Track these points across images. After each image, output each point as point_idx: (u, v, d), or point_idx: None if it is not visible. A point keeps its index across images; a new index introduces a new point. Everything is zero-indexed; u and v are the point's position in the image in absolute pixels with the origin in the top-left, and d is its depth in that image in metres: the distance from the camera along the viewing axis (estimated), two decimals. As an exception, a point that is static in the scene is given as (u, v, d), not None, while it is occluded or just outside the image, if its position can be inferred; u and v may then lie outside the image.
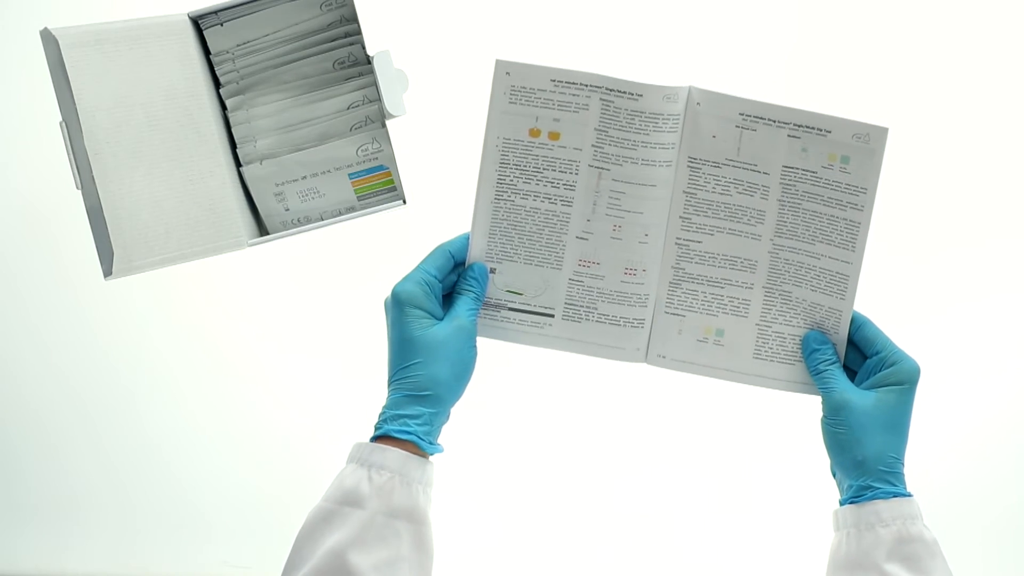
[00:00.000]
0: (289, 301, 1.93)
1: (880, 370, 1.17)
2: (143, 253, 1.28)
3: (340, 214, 1.37)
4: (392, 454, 1.15)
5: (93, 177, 1.26)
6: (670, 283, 1.23)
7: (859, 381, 1.19)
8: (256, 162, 1.36)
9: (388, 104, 1.33)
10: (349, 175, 1.37)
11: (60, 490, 1.97)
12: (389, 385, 1.19)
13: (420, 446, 1.16)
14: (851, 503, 1.16)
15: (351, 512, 1.13)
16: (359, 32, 1.35)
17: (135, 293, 1.86)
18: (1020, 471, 1.85)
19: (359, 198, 1.37)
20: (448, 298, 1.23)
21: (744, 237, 1.21)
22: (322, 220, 1.37)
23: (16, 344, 1.95)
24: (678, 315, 1.23)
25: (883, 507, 1.14)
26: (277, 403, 1.94)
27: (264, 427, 1.95)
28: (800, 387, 1.22)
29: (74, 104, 1.25)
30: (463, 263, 1.23)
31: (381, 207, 1.36)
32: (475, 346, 1.20)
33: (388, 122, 1.34)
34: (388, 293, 1.21)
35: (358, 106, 1.35)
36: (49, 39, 1.25)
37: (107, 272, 1.27)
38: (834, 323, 1.20)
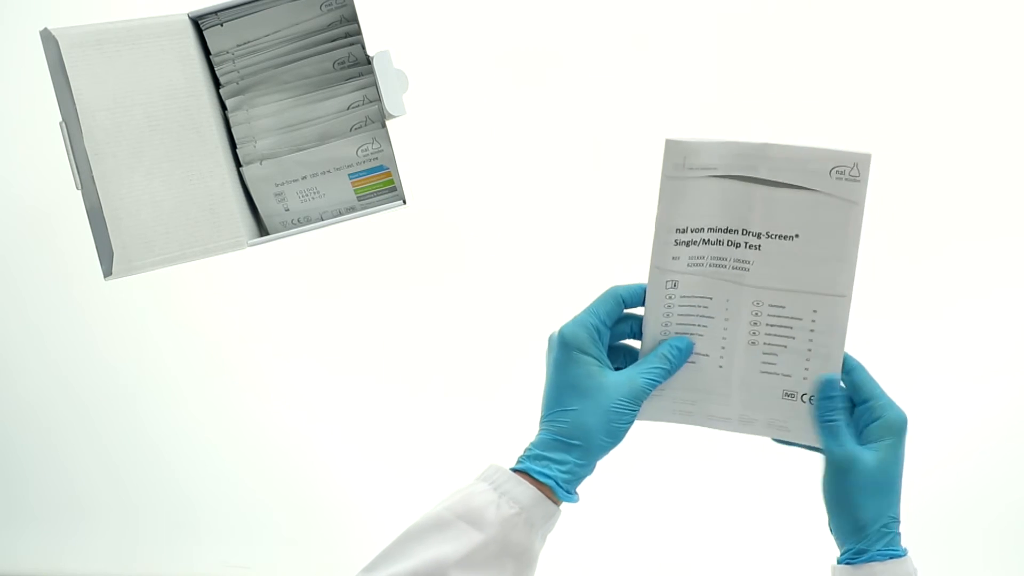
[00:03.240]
0: (289, 301, 1.93)
1: (870, 422, 1.16)
2: (143, 253, 1.28)
3: (340, 214, 1.37)
4: (527, 490, 1.13)
5: (93, 177, 1.26)
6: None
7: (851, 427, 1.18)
8: (256, 162, 1.36)
9: (388, 104, 1.33)
10: (349, 175, 1.37)
11: (60, 490, 1.97)
12: (540, 423, 1.16)
13: (556, 492, 1.14)
14: (848, 564, 1.16)
15: (468, 531, 1.11)
16: (359, 32, 1.34)
17: (135, 293, 1.86)
18: (1021, 471, 1.85)
19: (359, 198, 1.37)
20: (615, 348, 1.19)
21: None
22: (322, 220, 1.37)
23: (16, 344, 1.95)
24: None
25: (879, 569, 1.15)
26: (277, 403, 1.94)
27: (264, 427, 1.95)
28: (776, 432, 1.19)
29: (74, 104, 1.25)
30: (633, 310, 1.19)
31: (381, 207, 1.36)
32: (637, 410, 1.15)
33: (388, 122, 1.34)
34: (555, 331, 1.19)
35: (358, 106, 1.35)
36: (49, 39, 1.25)
37: (107, 272, 1.27)
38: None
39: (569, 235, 1.93)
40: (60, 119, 1.26)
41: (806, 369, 1.16)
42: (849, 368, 1.17)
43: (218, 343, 1.94)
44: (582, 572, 1.91)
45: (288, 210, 1.37)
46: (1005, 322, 1.79)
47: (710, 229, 1.15)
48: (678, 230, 1.15)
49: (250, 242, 1.35)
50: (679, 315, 1.17)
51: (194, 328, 1.93)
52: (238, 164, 1.37)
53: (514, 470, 1.14)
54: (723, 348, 1.17)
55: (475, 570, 1.10)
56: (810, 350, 1.15)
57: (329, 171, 1.36)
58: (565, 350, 1.16)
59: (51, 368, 1.94)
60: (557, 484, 1.13)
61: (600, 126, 1.92)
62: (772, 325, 1.16)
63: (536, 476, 1.13)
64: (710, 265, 1.16)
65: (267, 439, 1.94)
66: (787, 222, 1.13)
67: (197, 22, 1.35)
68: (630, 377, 1.15)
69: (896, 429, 1.15)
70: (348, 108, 1.35)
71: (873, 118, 1.80)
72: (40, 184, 1.89)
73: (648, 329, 1.17)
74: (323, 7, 1.35)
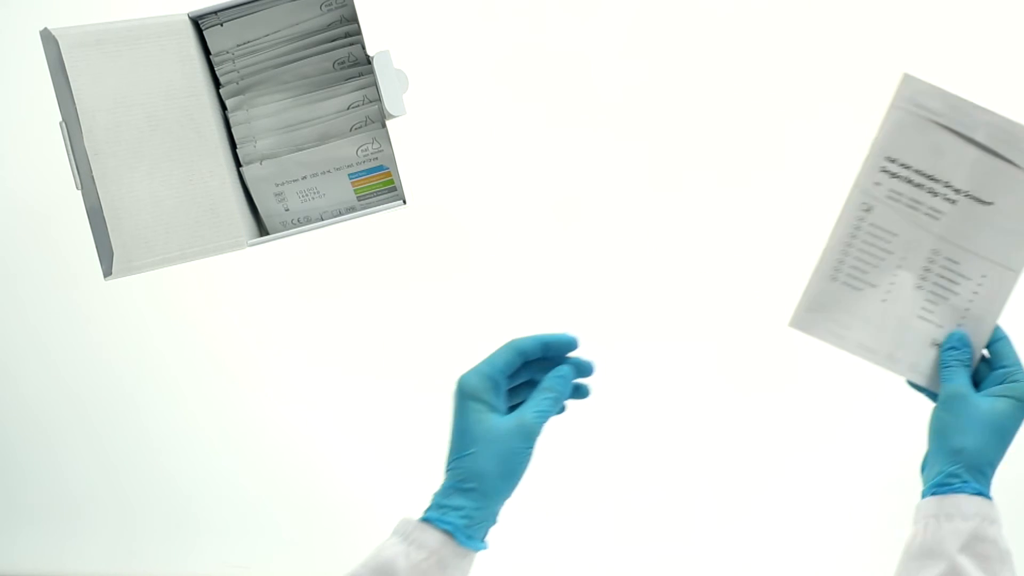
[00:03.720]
0: (289, 301, 1.93)
1: (1003, 383, 1.19)
2: (143, 253, 1.28)
3: (340, 214, 1.37)
4: (433, 534, 1.14)
5: (93, 177, 1.26)
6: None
7: (981, 389, 1.21)
8: (256, 162, 1.36)
9: (388, 104, 1.33)
10: (349, 175, 1.37)
11: (59, 491, 1.97)
12: (444, 473, 1.18)
13: (456, 538, 1.15)
14: (933, 495, 1.17)
15: None
16: (359, 32, 1.34)
17: (135, 293, 1.86)
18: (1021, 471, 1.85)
19: (359, 198, 1.37)
20: (521, 389, 1.21)
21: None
22: (322, 220, 1.37)
23: (16, 344, 1.94)
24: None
25: (965, 502, 1.16)
26: (276, 403, 1.94)
27: (263, 427, 1.95)
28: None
29: (74, 104, 1.25)
30: (536, 362, 1.21)
31: (381, 207, 1.36)
32: (533, 448, 1.17)
33: (388, 122, 1.34)
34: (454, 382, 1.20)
35: (358, 106, 1.35)
36: (49, 39, 1.25)
37: (107, 272, 1.27)
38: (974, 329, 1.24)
39: (569, 235, 1.93)
40: (60, 119, 1.26)
41: (958, 326, 1.23)
42: (997, 337, 1.22)
43: (218, 343, 1.94)
44: (582, 572, 1.91)
45: (288, 210, 1.37)
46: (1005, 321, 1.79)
47: (917, 171, 1.23)
48: (888, 159, 1.23)
49: (250, 242, 1.35)
50: (863, 240, 1.24)
51: (194, 328, 1.93)
52: (238, 164, 1.37)
53: (421, 520, 1.16)
54: (892, 284, 1.24)
55: None
56: (968, 310, 1.23)
57: (329, 171, 1.36)
58: (461, 398, 1.18)
59: (51, 368, 1.94)
60: (456, 530, 1.15)
61: (600, 126, 1.92)
62: (942, 277, 1.23)
63: (437, 524, 1.15)
64: (906, 205, 1.23)
65: (266, 439, 1.94)
66: (987, 188, 1.22)
67: (197, 22, 1.35)
68: (520, 416, 1.17)
69: (1021, 395, 1.18)
70: (348, 108, 1.35)
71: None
72: (40, 184, 1.89)
73: (832, 243, 1.24)
74: (323, 7, 1.35)
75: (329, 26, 1.36)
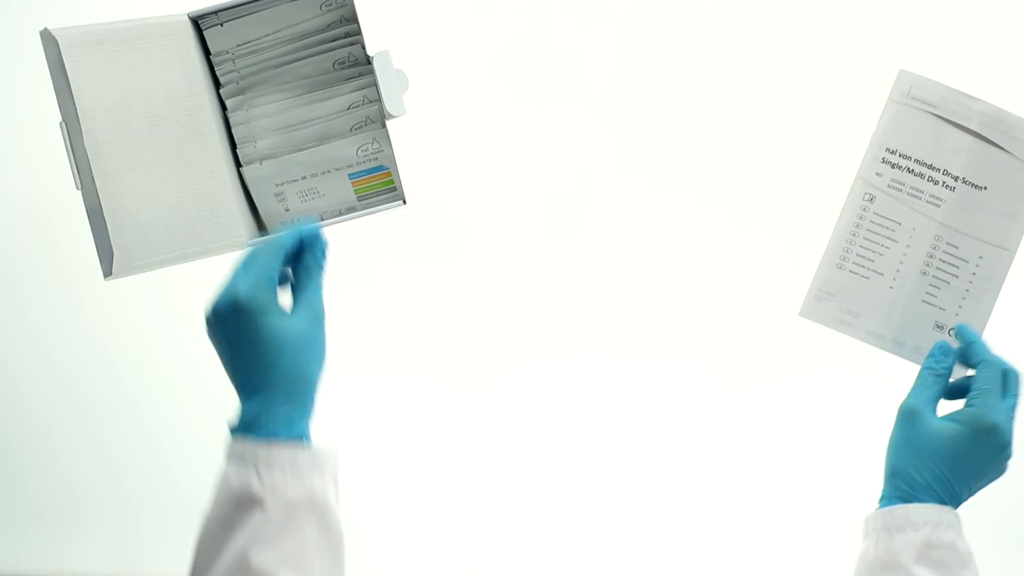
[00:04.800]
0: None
1: (965, 406, 1.20)
2: (143, 253, 1.28)
3: (340, 214, 1.37)
4: (278, 449, 1.11)
5: (93, 177, 1.25)
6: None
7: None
8: (256, 162, 1.36)
9: (388, 104, 1.33)
10: (349, 175, 1.36)
11: (60, 490, 1.97)
12: (246, 390, 1.15)
13: (305, 442, 1.13)
14: (883, 507, 1.17)
15: (246, 514, 1.09)
16: (359, 32, 1.34)
17: (135, 293, 1.86)
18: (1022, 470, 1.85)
19: (359, 198, 1.37)
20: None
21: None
22: (322, 220, 1.36)
23: (16, 344, 1.94)
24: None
25: (914, 512, 1.15)
26: (277, 403, 1.94)
27: (264, 427, 1.95)
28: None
29: (74, 104, 1.25)
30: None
31: (381, 207, 1.36)
32: (324, 329, 1.18)
33: (388, 122, 1.34)
34: (213, 303, 1.16)
35: (358, 106, 1.35)
36: (49, 39, 1.25)
37: (107, 272, 1.27)
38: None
39: (569, 234, 1.93)
40: (60, 119, 1.25)
41: (959, 307, 1.28)
42: (982, 360, 1.23)
43: (218, 343, 1.93)
44: (581, 572, 1.91)
45: (288, 210, 1.37)
46: (1005, 320, 1.79)
47: (916, 160, 1.28)
48: (888, 150, 1.28)
49: (250, 242, 1.35)
50: (867, 229, 1.28)
51: (194, 328, 1.93)
52: (238, 164, 1.36)
53: (257, 437, 1.12)
54: (898, 272, 1.28)
55: (273, 541, 1.08)
56: (967, 291, 1.28)
57: (329, 171, 1.36)
58: (245, 316, 1.14)
59: (51, 368, 1.94)
60: (306, 436, 1.13)
61: (600, 125, 1.92)
62: (944, 261, 1.28)
63: (283, 436, 1.12)
64: (908, 194, 1.28)
65: (267, 439, 1.94)
66: (982, 174, 1.28)
67: (197, 22, 1.35)
68: (310, 306, 1.18)
69: (975, 422, 1.17)
70: (348, 108, 1.35)
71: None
72: (40, 184, 1.89)
73: (837, 233, 1.29)
74: (323, 7, 1.35)
75: (329, 26, 1.35)
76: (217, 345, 1.17)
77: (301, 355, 1.16)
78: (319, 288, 1.20)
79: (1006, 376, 1.21)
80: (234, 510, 1.10)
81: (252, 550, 1.07)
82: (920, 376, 1.23)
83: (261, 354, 1.15)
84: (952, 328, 1.28)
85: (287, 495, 1.10)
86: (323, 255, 1.21)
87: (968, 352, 1.24)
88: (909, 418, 1.19)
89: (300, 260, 1.20)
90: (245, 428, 1.14)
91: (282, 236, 1.20)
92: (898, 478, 1.17)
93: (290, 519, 1.09)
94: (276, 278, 1.17)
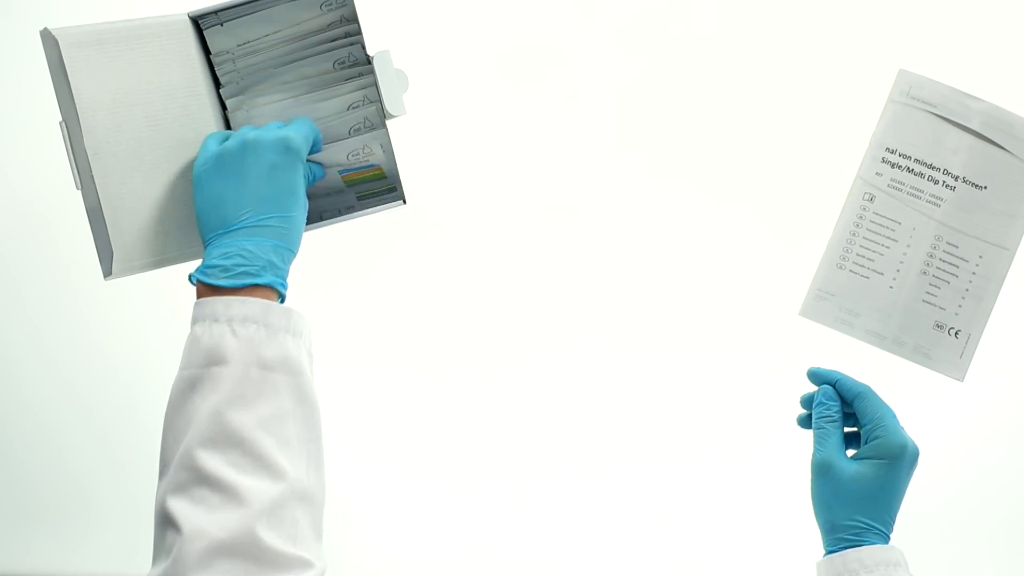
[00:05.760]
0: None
1: (869, 441, 1.21)
2: (143, 253, 1.28)
3: (340, 214, 1.37)
4: (253, 304, 1.09)
5: (93, 177, 1.25)
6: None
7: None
8: (256, 162, 1.36)
9: (388, 104, 1.33)
10: (339, 171, 1.36)
11: (61, 490, 1.97)
12: (246, 228, 1.14)
13: (282, 294, 1.13)
14: (832, 554, 1.19)
15: (220, 371, 1.06)
16: (359, 32, 1.34)
17: (135, 293, 1.86)
18: (1022, 471, 1.85)
19: (359, 198, 1.37)
20: None
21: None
22: (322, 220, 1.36)
23: (16, 344, 1.95)
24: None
25: (865, 554, 1.17)
26: (277, 403, 1.94)
27: (264, 427, 1.95)
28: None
29: (74, 104, 1.25)
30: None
31: (381, 207, 1.36)
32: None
33: (388, 122, 1.34)
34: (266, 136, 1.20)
35: (358, 107, 1.35)
36: (49, 39, 1.25)
37: (107, 272, 1.27)
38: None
39: (570, 234, 1.93)
40: (60, 119, 1.26)
41: (959, 306, 1.28)
42: (856, 393, 1.23)
43: (218, 343, 1.93)
44: (581, 571, 1.91)
45: (288, 210, 1.37)
46: (1005, 320, 1.79)
47: (916, 160, 1.28)
48: (888, 149, 1.28)
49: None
50: (867, 229, 1.28)
51: (194, 328, 1.93)
52: (238, 164, 1.36)
53: (229, 287, 1.11)
54: (898, 271, 1.28)
55: (251, 401, 1.06)
56: (967, 290, 1.28)
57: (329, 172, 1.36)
58: (289, 156, 1.18)
59: (51, 368, 1.94)
60: (282, 285, 1.12)
61: (601, 125, 1.92)
62: (944, 261, 1.28)
63: (280, 287, 1.12)
64: (908, 193, 1.28)
65: (267, 439, 1.94)
66: (982, 173, 1.27)
67: (197, 22, 1.35)
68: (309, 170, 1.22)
69: (887, 452, 1.19)
70: (348, 108, 1.35)
71: None
72: (40, 184, 1.89)
73: (837, 233, 1.29)
74: (323, 7, 1.35)
75: (329, 26, 1.35)
76: (235, 172, 1.17)
77: (304, 211, 1.16)
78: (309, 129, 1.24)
79: (875, 396, 1.23)
80: (204, 369, 1.07)
81: (228, 409, 1.05)
82: (817, 428, 1.22)
83: (282, 193, 1.15)
84: (952, 328, 1.28)
85: (262, 353, 1.07)
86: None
87: (838, 389, 1.24)
88: (826, 472, 1.19)
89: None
90: (230, 270, 1.11)
91: (309, 128, 1.24)
92: (840, 531, 1.18)
93: (265, 380, 1.06)
94: (313, 144, 1.21)
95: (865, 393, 1.23)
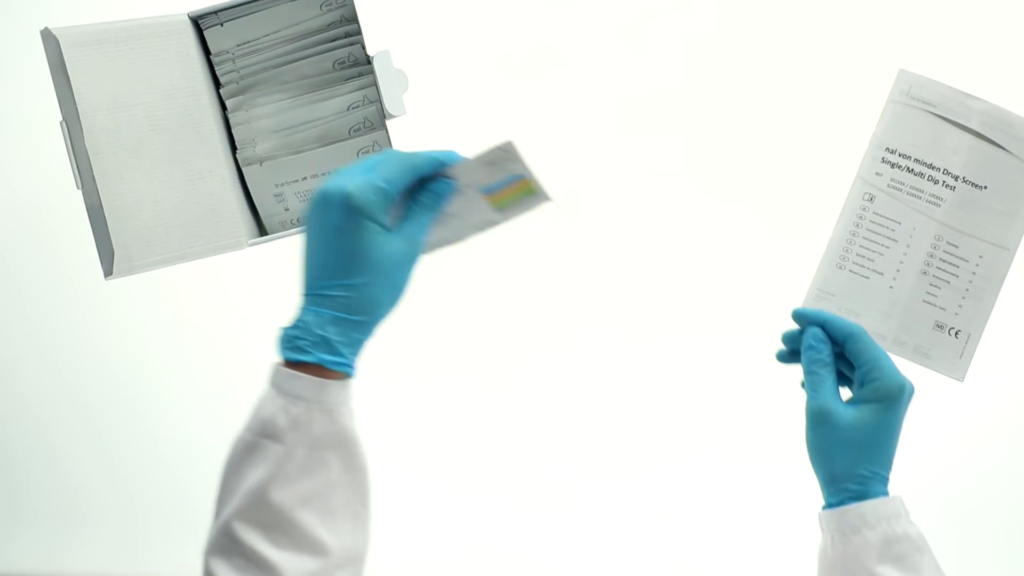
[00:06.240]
0: (289, 301, 1.93)
1: (863, 384, 1.18)
2: (143, 253, 1.28)
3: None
4: (307, 382, 1.06)
5: (93, 177, 1.25)
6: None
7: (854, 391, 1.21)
8: (256, 163, 1.36)
9: (388, 104, 1.33)
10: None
11: (60, 491, 1.97)
12: (310, 296, 1.07)
13: (350, 375, 1.08)
14: (832, 508, 1.17)
15: (270, 446, 1.05)
16: (359, 32, 1.34)
17: (135, 293, 1.86)
18: (1022, 471, 1.85)
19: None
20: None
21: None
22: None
23: (16, 344, 1.94)
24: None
25: (866, 509, 1.16)
26: (277, 403, 1.94)
27: (264, 427, 1.95)
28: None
29: (74, 104, 1.25)
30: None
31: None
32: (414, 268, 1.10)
33: (388, 122, 1.34)
34: (330, 188, 1.06)
35: (358, 107, 1.35)
36: (49, 39, 1.25)
37: (107, 272, 1.27)
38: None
39: (569, 234, 1.93)
40: (60, 118, 1.26)
41: (960, 306, 1.28)
42: (847, 334, 1.21)
43: (218, 343, 1.94)
44: (581, 571, 1.91)
45: (288, 210, 1.37)
46: (1004, 320, 1.79)
47: (916, 160, 1.27)
48: (888, 149, 1.27)
49: (250, 242, 1.35)
50: (867, 229, 1.28)
51: (194, 328, 1.93)
52: (238, 164, 1.37)
53: (296, 361, 1.06)
54: (898, 271, 1.28)
55: (294, 479, 1.04)
56: (967, 290, 1.28)
57: (328, 172, 1.36)
58: (352, 214, 1.05)
59: (51, 368, 1.94)
60: (352, 368, 1.08)
61: (601, 124, 1.92)
62: (944, 261, 1.27)
63: (330, 367, 1.06)
64: (908, 193, 1.28)
65: (267, 439, 1.94)
66: (982, 173, 1.27)
67: (197, 22, 1.35)
68: (410, 239, 1.08)
69: (885, 394, 1.17)
70: (348, 108, 1.35)
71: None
72: (40, 184, 1.89)
73: (837, 233, 1.28)
74: (323, 7, 1.35)
75: (329, 26, 1.35)
76: (308, 230, 1.08)
77: (381, 277, 1.06)
78: (425, 225, 1.08)
79: (867, 336, 1.21)
80: (259, 438, 1.06)
81: (271, 486, 1.04)
82: (810, 373, 1.19)
83: (344, 258, 1.05)
84: (953, 328, 1.27)
85: (312, 432, 1.06)
86: (445, 195, 1.10)
87: (827, 331, 1.21)
88: (823, 420, 1.17)
89: (421, 189, 1.10)
90: (290, 342, 1.07)
91: (420, 155, 1.10)
92: (844, 480, 1.16)
93: (312, 457, 1.05)
94: (395, 193, 1.07)
95: (857, 333, 1.20)
